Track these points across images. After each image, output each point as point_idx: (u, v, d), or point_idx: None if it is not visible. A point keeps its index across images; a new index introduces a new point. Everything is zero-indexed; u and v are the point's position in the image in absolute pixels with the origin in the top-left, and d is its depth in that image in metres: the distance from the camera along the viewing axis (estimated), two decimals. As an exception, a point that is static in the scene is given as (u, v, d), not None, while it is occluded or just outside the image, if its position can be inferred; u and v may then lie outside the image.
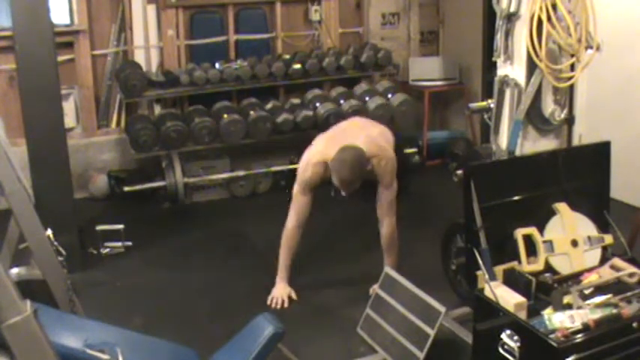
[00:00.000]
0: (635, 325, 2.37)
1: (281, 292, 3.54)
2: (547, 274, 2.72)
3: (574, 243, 2.83)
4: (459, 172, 2.93)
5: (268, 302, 3.51)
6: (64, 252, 2.55)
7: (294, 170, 5.25)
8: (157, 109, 5.35)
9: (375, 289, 3.24)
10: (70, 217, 3.83)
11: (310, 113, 5.11)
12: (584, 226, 2.89)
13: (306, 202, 3.51)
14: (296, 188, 3.53)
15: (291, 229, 3.53)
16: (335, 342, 3.18)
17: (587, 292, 2.59)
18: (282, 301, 3.50)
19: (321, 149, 3.49)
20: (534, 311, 2.49)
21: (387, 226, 3.51)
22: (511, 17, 3.01)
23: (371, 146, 3.44)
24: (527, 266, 2.72)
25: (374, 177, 3.49)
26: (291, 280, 3.62)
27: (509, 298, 2.49)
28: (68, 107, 5.05)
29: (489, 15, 5.13)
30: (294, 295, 3.55)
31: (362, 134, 3.52)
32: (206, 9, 5.45)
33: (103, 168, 5.29)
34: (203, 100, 5.20)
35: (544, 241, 2.78)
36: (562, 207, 2.87)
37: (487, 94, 4.54)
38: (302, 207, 3.51)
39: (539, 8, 2.87)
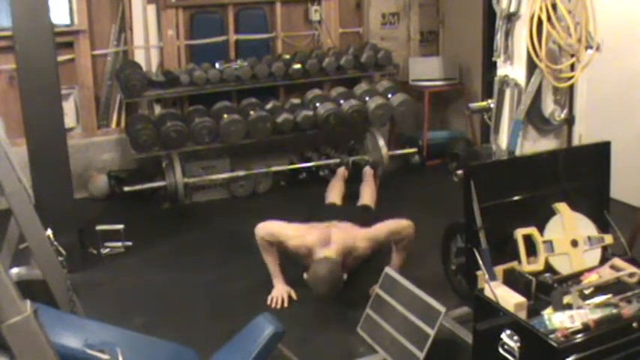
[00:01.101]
0: (635, 325, 2.37)
1: (281, 291, 3.54)
2: (547, 274, 2.72)
3: (574, 243, 2.83)
4: (459, 172, 2.93)
5: (268, 302, 3.51)
6: (64, 252, 2.55)
7: (295, 170, 5.30)
8: (157, 109, 5.35)
9: (375, 289, 3.24)
10: (70, 217, 3.83)
11: (310, 113, 5.11)
12: (584, 226, 2.89)
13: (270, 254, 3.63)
14: (262, 227, 3.59)
15: (261, 241, 3.59)
16: (335, 342, 3.18)
17: (587, 292, 2.59)
18: (282, 301, 3.50)
19: (301, 244, 3.52)
20: (534, 311, 2.49)
21: (408, 231, 3.52)
22: (511, 17, 3.01)
23: (344, 242, 3.48)
24: (527, 266, 2.72)
25: (365, 254, 3.57)
26: (290, 279, 3.62)
27: (509, 298, 2.49)
28: (68, 107, 5.05)
29: (489, 15, 5.12)
30: (293, 295, 3.55)
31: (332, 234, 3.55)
32: (206, 9, 5.45)
33: (103, 168, 5.29)
34: (203, 100, 5.20)
35: (544, 241, 2.78)
36: (562, 207, 2.87)
37: (487, 94, 4.54)
38: (266, 247, 3.62)
39: (539, 8, 2.87)
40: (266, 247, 3.60)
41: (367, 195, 4.54)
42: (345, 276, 3.42)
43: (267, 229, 3.57)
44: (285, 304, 3.49)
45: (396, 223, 3.54)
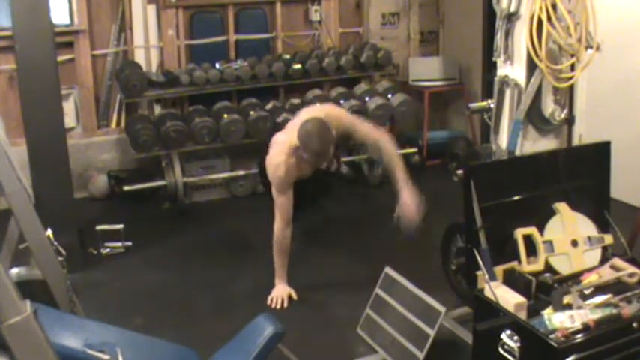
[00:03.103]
0: (635, 325, 2.37)
1: (281, 292, 3.54)
2: (547, 274, 2.71)
3: (574, 243, 2.83)
4: (459, 172, 2.93)
5: (268, 302, 3.51)
6: (64, 252, 2.55)
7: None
8: (157, 109, 5.35)
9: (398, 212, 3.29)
10: (70, 217, 3.83)
11: (310, 113, 5.11)
12: (584, 226, 2.89)
13: (287, 200, 3.49)
14: (274, 191, 3.52)
15: (279, 231, 3.53)
16: (335, 342, 3.18)
17: (587, 292, 2.59)
18: (282, 301, 3.50)
19: (283, 140, 3.52)
20: (534, 311, 2.49)
21: (383, 144, 3.54)
22: (511, 17, 3.01)
23: (325, 112, 3.51)
24: (527, 266, 2.72)
25: (349, 139, 3.62)
26: (290, 279, 3.62)
27: (509, 298, 2.49)
28: (68, 107, 5.05)
29: (489, 15, 5.12)
30: (294, 295, 3.55)
31: (312, 113, 3.57)
32: (206, 9, 5.45)
33: (103, 168, 5.29)
34: (203, 100, 5.20)
35: (544, 241, 2.78)
36: (562, 207, 2.87)
37: (487, 94, 4.54)
38: (284, 205, 3.50)
39: (539, 8, 2.87)
40: (283, 237, 3.50)
41: None
42: (334, 134, 3.38)
43: (274, 182, 3.51)
44: (285, 304, 3.49)
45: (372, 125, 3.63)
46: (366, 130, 3.59)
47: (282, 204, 3.49)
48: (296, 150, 3.42)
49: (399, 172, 3.51)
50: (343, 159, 5.19)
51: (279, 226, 3.51)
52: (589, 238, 2.88)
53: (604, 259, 2.86)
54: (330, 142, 3.34)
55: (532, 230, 2.78)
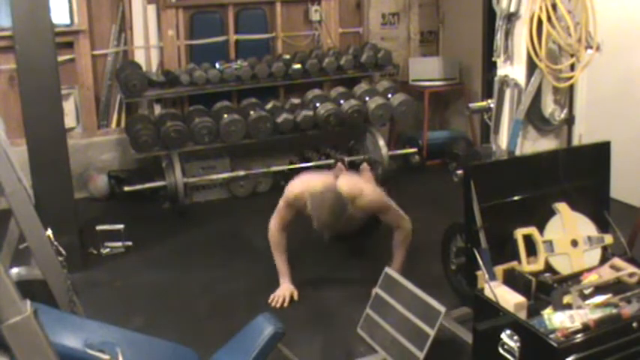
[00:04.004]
0: (635, 325, 2.37)
1: (283, 291, 3.54)
2: (547, 274, 2.72)
3: (574, 243, 2.83)
4: (459, 172, 2.93)
5: (270, 300, 3.51)
6: (64, 252, 2.54)
7: (295, 170, 5.30)
8: (157, 109, 5.35)
9: (375, 289, 3.24)
10: (70, 217, 3.83)
11: (310, 113, 5.11)
12: (584, 226, 2.89)
13: (289, 214, 3.58)
14: (281, 201, 3.59)
15: (274, 231, 3.58)
16: (335, 342, 3.18)
17: (587, 292, 2.59)
18: (283, 300, 3.50)
19: (295, 191, 3.53)
20: (534, 311, 2.49)
21: (399, 232, 3.54)
22: (511, 17, 3.01)
23: (350, 188, 3.46)
24: (527, 266, 2.72)
25: (364, 214, 3.55)
26: (291, 279, 3.62)
27: (509, 298, 2.49)
28: (68, 107, 5.05)
29: (489, 15, 5.13)
30: (296, 296, 3.55)
31: (340, 177, 3.58)
32: (206, 9, 5.46)
33: (103, 168, 5.29)
34: (203, 100, 5.20)
35: (544, 241, 2.78)
36: (562, 207, 2.87)
37: (487, 94, 4.54)
38: (285, 216, 3.58)
39: (539, 8, 2.87)
40: (279, 239, 3.57)
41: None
42: (349, 209, 3.36)
43: (284, 202, 3.56)
44: (286, 304, 3.49)
45: (400, 210, 3.57)
46: (392, 217, 3.55)
47: (283, 214, 3.57)
48: (304, 200, 3.45)
49: (398, 258, 3.54)
50: (345, 158, 5.20)
51: (274, 227, 3.58)
52: (589, 238, 2.87)
53: (604, 259, 2.86)
54: (340, 220, 3.30)
55: (532, 230, 2.78)
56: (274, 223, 3.59)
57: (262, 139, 5.07)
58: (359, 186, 3.55)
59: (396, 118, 5.41)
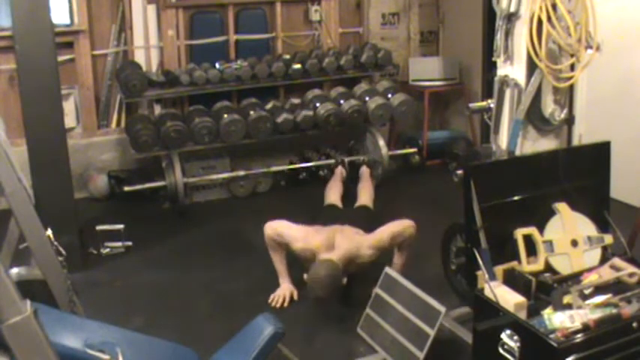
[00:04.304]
0: (635, 325, 2.37)
1: (284, 291, 3.55)
2: (547, 274, 2.72)
3: (574, 243, 2.83)
4: (459, 172, 2.93)
5: (270, 300, 3.52)
6: (64, 252, 2.54)
7: (294, 170, 5.30)
8: (157, 109, 5.35)
9: (375, 289, 3.24)
10: (70, 217, 3.83)
11: (310, 113, 5.11)
12: (584, 226, 2.89)
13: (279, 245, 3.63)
14: (270, 226, 3.62)
15: (269, 238, 3.60)
16: (335, 342, 3.18)
17: (587, 292, 2.59)
18: (283, 300, 3.50)
19: (295, 237, 3.55)
20: (534, 311, 2.49)
21: (409, 231, 3.52)
22: (511, 17, 3.01)
23: (348, 247, 3.46)
24: (527, 266, 2.72)
25: (369, 260, 3.54)
26: (291, 279, 3.62)
27: (509, 298, 2.49)
28: (68, 107, 5.05)
29: (489, 15, 5.13)
30: (296, 296, 3.55)
31: (337, 239, 3.55)
32: (206, 9, 5.46)
33: (103, 168, 5.29)
34: (203, 100, 5.20)
35: (544, 241, 2.78)
36: (562, 207, 2.87)
37: (487, 94, 4.54)
38: (278, 234, 3.61)
39: (539, 8, 2.87)
40: (274, 246, 3.61)
41: (365, 195, 4.54)
42: (344, 280, 3.42)
43: (275, 228, 3.58)
44: (286, 304, 3.49)
45: (398, 225, 3.54)
46: (398, 240, 3.54)
47: (278, 233, 3.59)
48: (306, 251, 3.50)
49: (399, 260, 3.57)
50: (345, 159, 5.20)
51: (269, 233, 3.59)
52: (589, 238, 2.88)
53: (604, 259, 2.86)
54: (334, 291, 3.32)
55: (532, 230, 2.78)
56: (268, 231, 3.60)
57: (262, 139, 5.07)
58: (356, 244, 3.51)
59: (396, 118, 5.41)
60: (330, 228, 3.66)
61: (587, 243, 2.87)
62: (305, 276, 3.40)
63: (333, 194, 4.55)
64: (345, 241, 3.52)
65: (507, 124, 3.12)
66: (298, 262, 3.62)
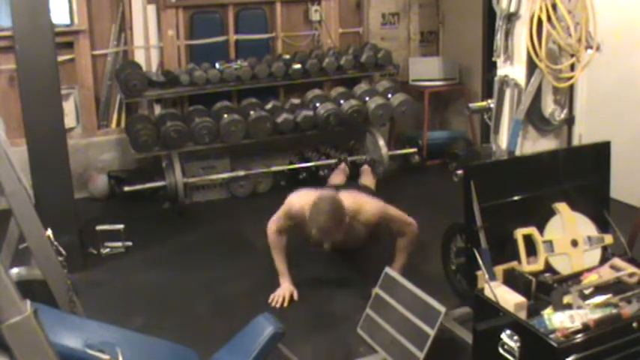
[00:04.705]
0: (635, 325, 2.37)
1: (283, 291, 3.54)
2: (547, 274, 2.72)
3: (574, 243, 2.83)
4: (459, 172, 2.93)
5: (269, 300, 3.51)
6: (64, 252, 2.55)
7: (294, 170, 5.30)
8: (157, 109, 5.35)
9: (375, 289, 3.24)
10: (70, 217, 3.83)
11: (310, 113, 5.12)
12: (584, 226, 2.89)
13: (287, 225, 3.59)
14: (281, 212, 3.58)
15: (272, 235, 3.60)
16: (335, 342, 3.18)
17: (587, 292, 2.59)
18: (283, 300, 3.50)
19: (293, 204, 3.52)
20: (534, 311, 2.49)
21: (410, 232, 3.51)
22: (511, 17, 3.01)
23: (351, 204, 3.43)
24: (527, 266, 2.72)
25: (367, 229, 3.54)
26: (291, 279, 3.62)
27: (509, 298, 2.49)
28: (68, 107, 5.05)
29: (489, 15, 5.13)
30: (296, 296, 3.55)
31: (341, 192, 3.53)
32: (206, 9, 5.46)
33: (103, 168, 5.29)
34: (203, 100, 5.20)
35: (544, 241, 2.78)
36: (562, 207, 2.87)
37: (487, 94, 4.54)
38: (283, 226, 3.59)
39: (539, 8, 2.87)
40: (277, 242, 3.58)
41: (367, 182, 4.57)
42: (347, 218, 3.33)
43: (279, 216, 3.56)
44: (286, 304, 3.49)
45: (404, 215, 3.54)
46: (397, 225, 3.51)
47: (281, 224, 3.58)
48: (298, 219, 3.48)
49: (400, 260, 3.53)
50: (347, 157, 5.19)
51: (271, 230, 3.59)
52: (589, 238, 2.88)
53: (604, 259, 2.87)
54: (339, 226, 3.29)
55: (532, 230, 2.78)
56: (272, 227, 3.59)
57: (262, 139, 5.07)
58: (359, 201, 3.51)
59: (396, 118, 5.41)
60: (334, 189, 3.66)
61: (587, 243, 2.87)
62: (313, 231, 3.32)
63: (337, 179, 4.57)
64: (349, 196, 3.49)
65: (507, 124, 3.12)
66: (299, 261, 3.62)
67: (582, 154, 3.13)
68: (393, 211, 3.54)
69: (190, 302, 3.62)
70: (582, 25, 2.94)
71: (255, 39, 5.58)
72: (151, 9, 5.27)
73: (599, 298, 2.52)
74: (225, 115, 4.95)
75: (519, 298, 2.48)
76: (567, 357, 2.24)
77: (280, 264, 3.61)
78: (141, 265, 4.09)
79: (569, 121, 3.24)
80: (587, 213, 2.92)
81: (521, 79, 3.04)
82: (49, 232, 2.52)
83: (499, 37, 3.09)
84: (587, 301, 2.50)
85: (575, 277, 2.74)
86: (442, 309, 2.82)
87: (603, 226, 2.97)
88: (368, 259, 3.92)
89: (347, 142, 5.61)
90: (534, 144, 3.15)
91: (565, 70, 3.01)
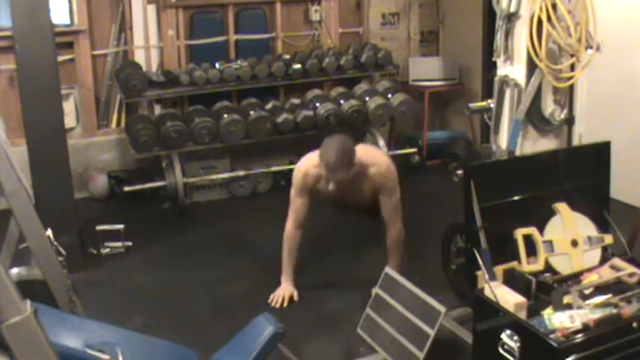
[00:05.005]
0: (635, 325, 2.37)
1: (283, 291, 3.54)
2: (547, 274, 2.72)
3: (574, 243, 2.83)
4: (459, 172, 2.93)
5: (269, 300, 3.51)
6: (64, 252, 2.54)
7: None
8: (157, 109, 5.35)
9: (375, 289, 3.24)
10: (70, 217, 3.83)
11: (310, 113, 5.12)
12: (584, 226, 2.89)
13: (302, 203, 3.53)
14: (292, 191, 3.57)
15: (289, 230, 3.56)
16: (335, 342, 3.18)
17: (587, 292, 2.59)
18: (282, 300, 3.50)
19: (315, 156, 3.48)
20: (534, 311, 2.49)
21: (392, 229, 3.52)
22: (511, 17, 3.01)
23: (364, 154, 3.44)
24: (527, 266, 2.72)
25: (372, 187, 3.49)
26: (293, 281, 3.61)
27: (509, 298, 2.49)
28: (68, 107, 5.05)
29: (489, 15, 5.13)
30: (295, 296, 3.55)
31: (359, 145, 3.53)
32: (206, 9, 5.46)
33: (103, 168, 5.29)
34: (203, 100, 5.20)
35: (544, 241, 2.78)
36: (562, 207, 2.87)
37: (487, 94, 4.54)
38: (299, 208, 3.53)
39: (539, 8, 2.87)
40: (293, 236, 3.53)
41: None
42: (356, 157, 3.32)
43: (294, 183, 3.53)
44: (285, 304, 3.49)
45: (399, 210, 3.53)
46: (392, 205, 3.50)
47: (296, 204, 3.54)
48: (311, 185, 3.47)
49: (394, 261, 3.52)
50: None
51: (290, 225, 3.55)
52: (589, 238, 2.88)
53: (604, 259, 2.87)
54: (346, 165, 3.28)
55: (532, 230, 2.78)
56: (289, 223, 3.56)
57: (262, 139, 5.07)
58: (371, 153, 3.52)
59: (396, 118, 5.41)
60: None
61: (587, 243, 2.87)
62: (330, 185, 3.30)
63: None
64: (364, 148, 3.50)
65: (507, 124, 3.12)
66: (299, 261, 3.62)
67: (582, 154, 3.13)
68: (396, 190, 3.51)
69: (190, 302, 3.62)
70: (582, 25, 2.94)
71: (255, 39, 5.58)
72: (151, 9, 5.27)
73: (599, 298, 2.52)
74: (225, 115, 4.95)
75: (519, 298, 2.48)
76: (567, 357, 2.24)
77: (287, 264, 3.59)
78: (141, 265, 4.09)
79: (569, 121, 3.25)
80: (587, 213, 2.92)
81: (521, 79, 3.04)
82: (49, 232, 2.52)
83: (499, 37, 3.09)
84: (587, 301, 2.50)
85: (575, 277, 2.74)
86: (442, 309, 2.82)
87: (603, 226, 2.97)
88: (368, 259, 3.92)
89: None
90: (534, 144, 3.15)
91: (565, 70, 3.02)
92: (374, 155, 3.55)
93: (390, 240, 3.54)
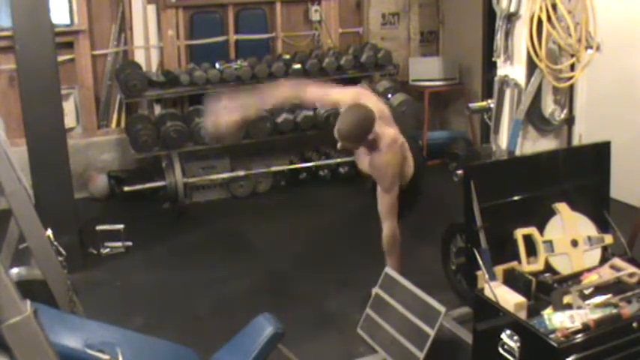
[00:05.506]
0: (635, 325, 2.37)
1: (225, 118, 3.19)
2: (547, 274, 2.72)
3: (574, 243, 2.83)
4: (459, 172, 2.93)
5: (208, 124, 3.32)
6: (64, 252, 2.55)
7: (295, 170, 5.30)
8: (157, 109, 5.35)
9: (375, 289, 3.23)
10: (70, 217, 3.83)
11: (310, 113, 5.12)
12: (584, 226, 2.89)
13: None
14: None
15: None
16: (335, 342, 3.18)
17: (587, 292, 2.59)
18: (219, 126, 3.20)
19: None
20: (534, 311, 2.49)
21: (385, 229, 3.46)
22: (511, 17, 3.02)
23: (383, 136, 3.18)
24: (527, 266, 2.72)
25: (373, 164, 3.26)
26: (290, 279, 3.61)
27: (509, 298, 2.49)
28: (68, 107, 5.05)
29: (489, 15, 5.13)
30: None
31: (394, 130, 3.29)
32: (206, 9, 5.46)
33: (103, 168, 5.29)
34: (203, 100, 5.20)
35: (544, 241, 2.78)
36: (562, 207, 2.87)
37: (487, 94, 4.54)
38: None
39: (539, 8, 2.87)
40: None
41: None
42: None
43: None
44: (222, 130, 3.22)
45: (394, 208, 3.29)
46: (383, 205, 3.25)
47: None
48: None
49: (390, 260, 3.31)
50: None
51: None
52: (589, 238, 2.88)
53: (604, 259, 2.86)
54: (355, 139, 3.07)
55: (532, 230, 2.78)
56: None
57: (262, 139, 5.07)
58: (392, 145, 3.20)
59: (396, 118, 5.38)
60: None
61: (587, 243, 2.87)
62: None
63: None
64: (386, 132, 3.20)
65: (507, 124, 3.12)
66: (299, 261, 3.61)
67: (582, 154, 3.13)
68: (393, 188, 3.23)
69: (190, 302, 3.62)
70: (582, 25, 2.94)
71: (255, 39, 5.58)
72: (151, 9, 5.27)
73: (599, 298, 2.52)
74: (225, 115, 4.94)
75: (519, 298, 2.48)
76: (567, 357, 2.24)
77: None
78: (141, 265, 4.09)
79: (569, 121, 3.25)
80: (587, 213, 2.92)
81: (521, 79, 3.04)
82: (49, 232, 2.52)
83: (499, 37, 3.09)
84: (587, 301, 2.50)
85: (575, 277, 2.74)
86: (442, 309, 2.82)
87: (603, 226, 2.97)
88: (368, 259, 3.91)
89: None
90: (534, 144, 3.15)
91: (565, 70, 3.02)
92: (391, 145, 3.20)
93: (383, 240, 3.49)
